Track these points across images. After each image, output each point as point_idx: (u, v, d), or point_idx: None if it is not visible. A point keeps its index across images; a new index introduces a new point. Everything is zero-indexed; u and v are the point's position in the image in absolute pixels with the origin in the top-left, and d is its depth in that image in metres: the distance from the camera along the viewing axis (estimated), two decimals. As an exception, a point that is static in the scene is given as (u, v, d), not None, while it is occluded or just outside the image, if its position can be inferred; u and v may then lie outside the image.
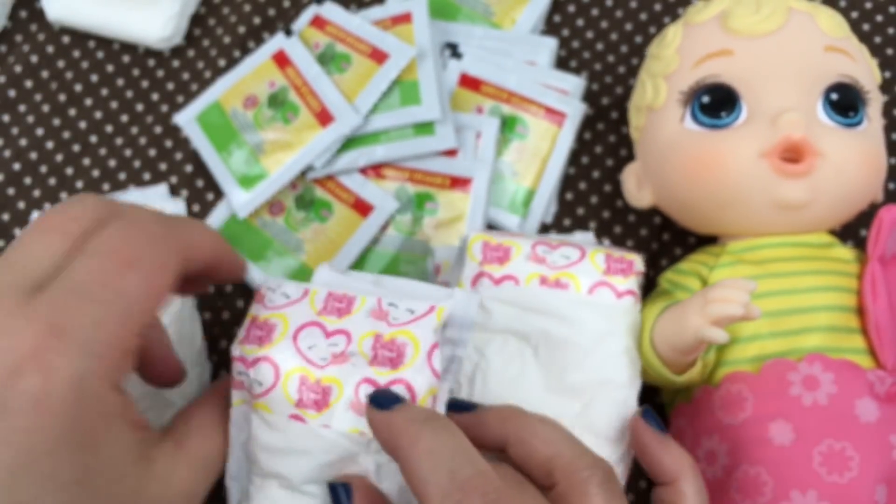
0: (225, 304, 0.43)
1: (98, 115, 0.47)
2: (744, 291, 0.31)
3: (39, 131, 0.46)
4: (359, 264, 0.42)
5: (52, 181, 0.46)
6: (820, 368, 0.33)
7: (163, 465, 0.27)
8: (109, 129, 0.47)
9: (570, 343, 0.33)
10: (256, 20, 0.48)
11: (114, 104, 0.47)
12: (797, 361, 0.33)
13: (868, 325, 0.34)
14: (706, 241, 0.40)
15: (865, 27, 0.46)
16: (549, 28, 0.47)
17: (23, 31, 0.48)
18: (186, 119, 0.45)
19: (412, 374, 0.29)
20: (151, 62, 0.48)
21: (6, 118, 0.47)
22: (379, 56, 0.43)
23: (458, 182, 0.43)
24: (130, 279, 0.26)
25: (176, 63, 0.48)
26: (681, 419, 0.36)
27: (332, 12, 0.46)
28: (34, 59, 0.48)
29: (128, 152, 0.46)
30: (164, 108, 0.47)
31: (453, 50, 0.46)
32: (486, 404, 0.32)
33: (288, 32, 0.45)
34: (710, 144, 0.36)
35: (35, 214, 0.44)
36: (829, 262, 0.36)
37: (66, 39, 0.48)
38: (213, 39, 0.48)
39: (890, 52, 0.46)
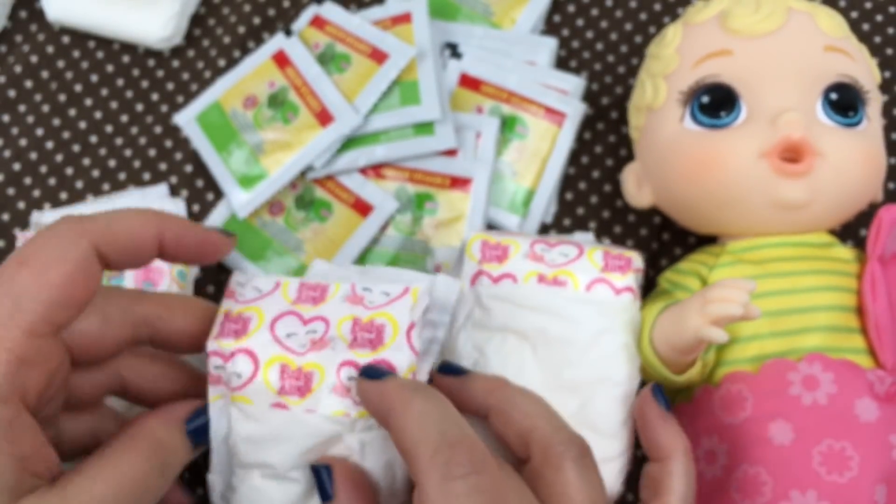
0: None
1: (98, 115, 0.47)
2: (743, 291, 0.31)
3: (39, 131, 0.46)
4: (358, 264, 0.42)
5: (52, 181, 0.46)
6: (820, 368, 0.33)
7: None
8: (109, 129, 0.47)
9: (568, 340, 0.33)
10: (256, 20, 0.48)
11: (114, 104, 0.47)
12: (797, 361, 0.33)
13: (868, 325, 0.34)
14: (706, 241, 0.40)
15: (865, 27, 0.46)
16: (549, 28, 0.47)
17: (23, 32, 0.48)
18: (186, 119, 0.45)
19: (392, 353, 0.29)
20: (151, 62, 0.48)
21: (6, 118, 0.47)
22: (379, 56, 0.43)
23: (458, 182, 0.43)
24: (20, 277, 0.25)
25: (176, 63, 0.48)
26: (681, 419, 0.36)
27: (332, 12, 0.46)
28: (34, 59, 0.48)
29: (128, 152, 0.46)
30: (164, 108, 0.47)
31: (453, 50, 0.46)
32: (475, 372, 0.32)
33: (288, 32, 0.45)
34: (709, 144, 0.36)
35: (35, 214, 0.44)
36: (828, 261, 0.36)
37: (65, 40, 0.48)
38: (213, 39, 0.48)
39: (890, 51, 0.46)
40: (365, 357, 0.29)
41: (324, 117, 0.43)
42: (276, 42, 0.46)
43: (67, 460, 0.29)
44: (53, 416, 0.28)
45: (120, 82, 0.47)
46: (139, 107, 0.47)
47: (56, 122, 0.47)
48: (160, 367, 0.32)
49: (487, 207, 0.43)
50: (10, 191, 0.45)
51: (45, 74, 0.47)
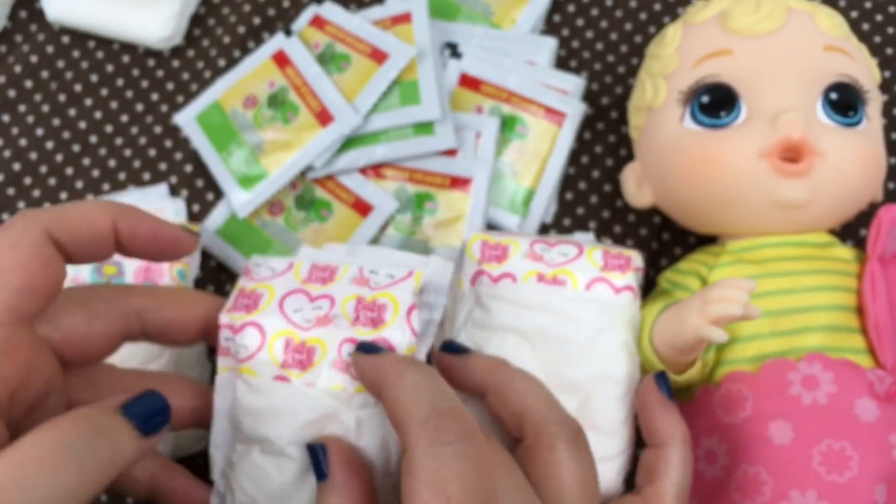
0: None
1: (98, 115, 0.47)
2: (743, 291, 0.31)
3: (39, 131, 0.46)
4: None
5: (52, 181, 0.46)
6: (819, 368, 0.33)
7: None
8: (109, 129, 0.47)
9: (567, 339, 0.33)
10: (256, 20, 0.48)
11: (114, 104, 0.47)
12: (797, 361, 0.33)
13: (868, 325, 0.34)
14: (706, 241, 0.40)
15: (865, 27, 0.46)
16: (549, 28, 0.47)
17: (23, 32, 0.48)
18: (186, 119, 0.45)
19: (392, 332, 0.30)
20: (151, 62, 0.48)
21: (6, 118, 0.47)
22: (379, 56, 0.43)
23: (458, 182, 0.43)
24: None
25: (176, 63, 0.48)
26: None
27: (332, 12, 0.46)
28: (34, 59, 0.48)
29: (128, 152, 0.46)
30: (164, 108, 0.47)
31: (453, 50, 0.46)
32: (475, 351, 0.32)
33: (288, 32, 0.45)
34: (709, 144, 0.36)
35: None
36: (828, 261, 0.36)
37: (65, 39, 0.48)
38: (213, 39, 0.48)
39: (890, 51, 0.46)
40: (366, 335, 0.30)
41: (324, 117, 0.43)
42: (276, 42, 0.46)
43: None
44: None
45: (120, 82, 0.47)
46: (139, 107, 0.47)
47: (56, 122, 0.47)
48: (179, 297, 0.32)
49: (487, 207, 0.43)
50: (10, 191, 0.45)
51: (45, 74, 0.47)
